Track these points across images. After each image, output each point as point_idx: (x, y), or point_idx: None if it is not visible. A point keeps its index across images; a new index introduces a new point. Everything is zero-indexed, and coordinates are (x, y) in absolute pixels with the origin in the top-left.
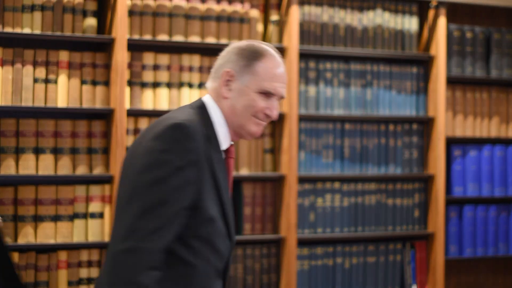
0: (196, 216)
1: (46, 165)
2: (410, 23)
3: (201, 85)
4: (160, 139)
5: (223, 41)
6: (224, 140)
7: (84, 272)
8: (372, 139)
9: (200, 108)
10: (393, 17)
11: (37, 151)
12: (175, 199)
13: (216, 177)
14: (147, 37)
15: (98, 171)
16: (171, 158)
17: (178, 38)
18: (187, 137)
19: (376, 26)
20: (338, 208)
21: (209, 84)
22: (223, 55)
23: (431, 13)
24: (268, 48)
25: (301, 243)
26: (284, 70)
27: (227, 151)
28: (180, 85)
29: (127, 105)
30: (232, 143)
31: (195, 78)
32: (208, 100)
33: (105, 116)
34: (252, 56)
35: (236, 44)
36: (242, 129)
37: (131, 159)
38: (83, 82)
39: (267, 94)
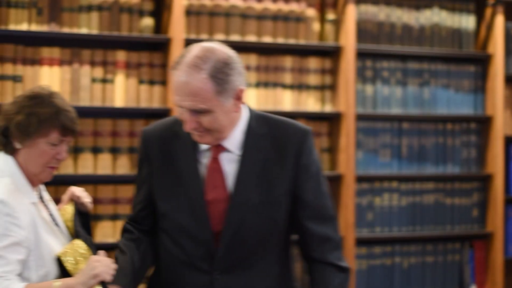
0: (156, 210)
1: (104, 165)
2: (467, 22)
3: (258, 85)
4: None
5: (280, 40)
6: None
7: None
8: (429, 138)
9: None
10: (450, 15)
11: (95, 150)
12: (140, 192)
13: (179, 172)
14: (204, 36)
15: None
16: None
17: (235, 37)
18: (140, 141)
19: (433, 24)
20: (396, 207)
21: None
22: None
23: (488, 11)
24: (183, 55)
25: (359, 242)
26: (183, 78)
27: (216, 150)
28: None
29: None
30: (220, 143)
31: (252, 77)
32: None
33: (163, 115)
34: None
35: None
36: None
37: None
38: (140, 82)
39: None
